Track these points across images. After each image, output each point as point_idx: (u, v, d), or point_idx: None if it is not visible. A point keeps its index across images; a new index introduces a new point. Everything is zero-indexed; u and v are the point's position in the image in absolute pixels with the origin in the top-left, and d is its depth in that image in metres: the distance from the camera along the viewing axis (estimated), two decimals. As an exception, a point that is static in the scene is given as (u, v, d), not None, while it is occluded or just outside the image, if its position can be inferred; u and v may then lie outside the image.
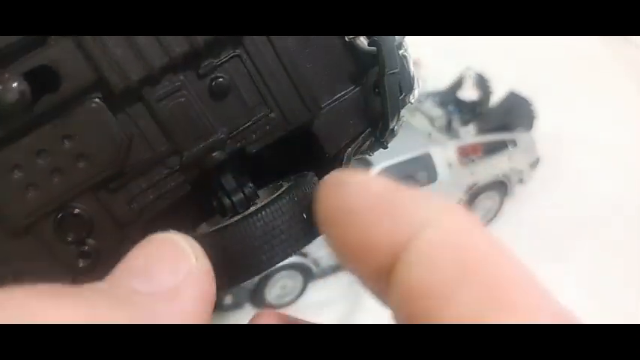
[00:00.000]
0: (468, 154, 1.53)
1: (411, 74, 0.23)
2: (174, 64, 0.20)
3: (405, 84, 0.23)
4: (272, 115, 0.21)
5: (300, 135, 0.22)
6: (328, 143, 0.23)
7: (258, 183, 0.23)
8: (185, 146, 0.20)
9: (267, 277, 1.45)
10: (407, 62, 0.23)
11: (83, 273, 0.20)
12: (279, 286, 1.50)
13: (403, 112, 0.23)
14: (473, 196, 1.55)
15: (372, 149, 0.25)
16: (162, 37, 0.19)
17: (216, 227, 0.21)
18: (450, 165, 1.49)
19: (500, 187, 1.60)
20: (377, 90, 0.22)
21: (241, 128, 0.21)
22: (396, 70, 0.22)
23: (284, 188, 0.22)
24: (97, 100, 0.19)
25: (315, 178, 0.23)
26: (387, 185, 0.18)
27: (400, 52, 0.22)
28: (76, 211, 0.20)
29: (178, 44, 0.19)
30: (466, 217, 0.16)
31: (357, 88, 0.22)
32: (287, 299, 1.53)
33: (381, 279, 0.16)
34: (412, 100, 0.24)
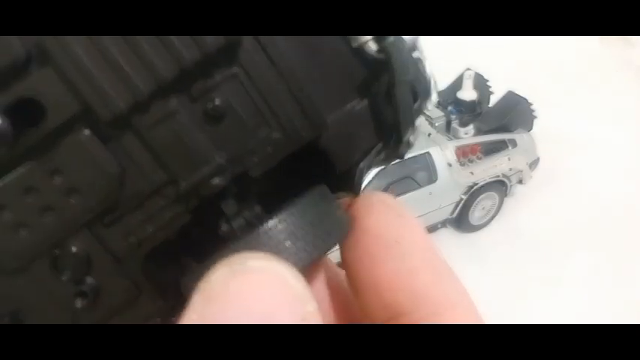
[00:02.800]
0: (467, 155, 1.53)
1: (428, 78, 0.21)
2: (163, 89, 0.18)
3: (421, 89, 0.21)
4: (274, 135, 0.20)
5: (307, 151, 0.21)
6: (338, 159, 0.21)
7: (264, 202, 0.21)
8: (181, 175, 0.19)
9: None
10: (422, 65, 0.21)
11: (82, 313, 0.19)
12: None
13: (418, 121, 0.22)
14: (472, 196, 1.55)
15: (386, 161, 0.23)
16: (148, 60, 0.17)
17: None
18: (449, 165, 1.49)
19: (500, 187, 1.60)
20: (389, 100, 0.20)
21: (241, 152, 0.19)
22: (408, 78, 0.20)
23: (297, 204, 0.20)
24: (85, 131, 0.18)
25: (329, 193, 0.22)
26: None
27: (414, 54, 0.20)
28: (72, 248, 0.19)
29: (166, 67, 0.17)
30: None
31: (367, 99, 0.21)
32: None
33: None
34: (429, 107, 0.22)
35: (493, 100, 1.69)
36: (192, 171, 0.19)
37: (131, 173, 0.18)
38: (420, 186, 1.45)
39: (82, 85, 0.17)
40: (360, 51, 0.19)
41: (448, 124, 1.60)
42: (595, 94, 1.96)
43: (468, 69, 1.66)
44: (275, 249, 0.19)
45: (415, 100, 0.21)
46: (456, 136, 1.57)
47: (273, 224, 0.19)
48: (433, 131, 1.54)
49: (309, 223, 0.20)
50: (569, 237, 1.54)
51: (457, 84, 1.68)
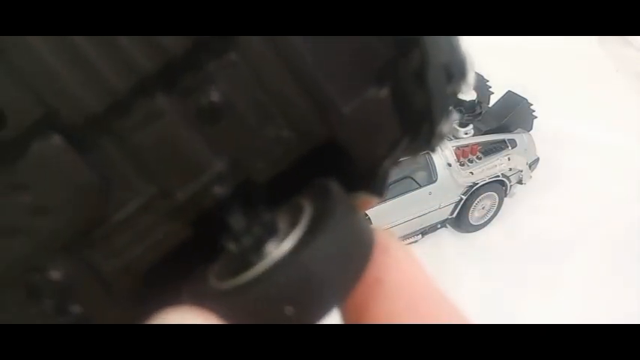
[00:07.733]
0: (467, 155, 1.53)
1: (463, 54, 0.18)
2: (146, 84, 0.15)
3: (456, 69, 0.17)
4: (283, 134, 0.17)
5: (321, 149, 0.18)
6: (358, 155, 0.18)
7: (270, 204, 0.18)
8: (174, 186, 0.16)
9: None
10: (455, 40, 0.17)
11: None
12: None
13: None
14: (472, 196, 1.55)
15: (413, 154, 0.19)
16: (126, 53, 0.14)
17: (232, 286, 0.16)
18: (449, 165, 1.49)
19: (500, 187, 1.60)
20: (418, 84, 0.17)
21: (245, 155, 0.17)
22: (441, 57, 0.17)
23: (308, 218, 0.17)
24: (54, 137, 0.14)
25: (343, 194, 0.18)
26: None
27: None
28: (52, 274, 0.16)
29: (149, 58, 0.14)
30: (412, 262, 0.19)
31: (390, 84, 0.17)
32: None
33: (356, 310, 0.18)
34: (464, 89, 0.18)
35: (493, 100, 1.68)
36: (187, 180, 0.16)
37: (114, 185, 0.16)
38: (419, 186, 1.45)
39: (40, 85, 0.14)
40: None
41: (448, 124, 1.60)
42: (595, 95, 1.96)
43: (468, 69, 1.66)
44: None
45: (449, 82, 0.18)
46: (456, 136, 1.57)
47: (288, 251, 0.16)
48: (433, 131, 1.54)
49: (339, 247, 0.16)
50: (568, 237, 1.54)
51: (457, 84, 1.68)
